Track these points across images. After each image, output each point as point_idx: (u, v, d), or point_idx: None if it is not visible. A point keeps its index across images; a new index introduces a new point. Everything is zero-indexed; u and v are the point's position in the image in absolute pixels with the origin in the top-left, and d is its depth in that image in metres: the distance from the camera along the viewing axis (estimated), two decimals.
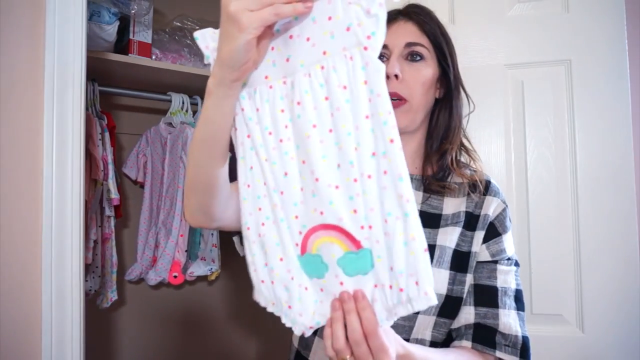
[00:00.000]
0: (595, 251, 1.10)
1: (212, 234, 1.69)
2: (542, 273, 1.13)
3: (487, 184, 0.81)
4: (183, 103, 1.69)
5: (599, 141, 1.11)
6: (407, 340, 0.72)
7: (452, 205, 0.80)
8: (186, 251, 1.64)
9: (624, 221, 1.09)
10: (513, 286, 0.77)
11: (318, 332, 0.83)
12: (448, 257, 0.76)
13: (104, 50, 1.42)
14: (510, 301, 0.76)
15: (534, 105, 1.16)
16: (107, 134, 1.48)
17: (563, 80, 1.14)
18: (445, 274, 0.76)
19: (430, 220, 0.79)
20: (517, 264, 0.79)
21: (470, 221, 0.79)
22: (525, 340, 0.73)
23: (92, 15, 1.37)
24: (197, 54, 1.68)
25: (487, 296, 0.76)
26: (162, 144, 1.70)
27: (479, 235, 0.78)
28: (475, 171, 0.83)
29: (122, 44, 1.50)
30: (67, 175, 1.01)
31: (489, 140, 1.17)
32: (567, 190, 1.13)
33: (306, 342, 0.85)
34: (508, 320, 0.74)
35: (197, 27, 1.74)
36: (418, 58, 0.79)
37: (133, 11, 1.48)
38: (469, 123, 0.88)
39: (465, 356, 0.72)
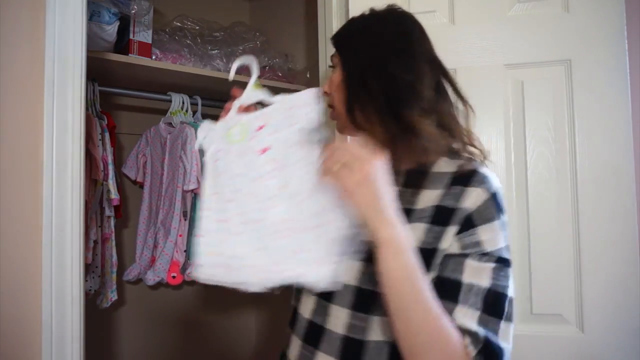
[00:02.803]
0: (595, 251, 1.10)
1: None
2: (542, 273, 1.13)
3: (471, 174, 0.72)
4: (183, 103, 1.69)
5: (599, 141, 1.11)
6: (363, 340, 0.71)
7: (426, 200, 0.73)
8: (185, 251, 1.64)
9: (624, 221, 1.09)
10: (485, 284, 0.65)
11: (295, 329, 0.84)
12: None
13: (104, 50, 1.41)
14: (476, 300, 0.64)
15: (534, 105, 1.16)
16: (107, 134, 1.48)
17: (563, 80, 1.14)
18: None
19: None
20: (502, 262, 0.67)
21: (441, 216, 0.70)
22: (491, 345, 0.61)
23: (92, 15, 1.36)
24: (197, 54, 1.68)
25: (447, 290, 0.65)
26: (162, 144, 1.69)
27: (451, 230, 0.69)
28: (470, 159, 0.75)
29: (122, 44, 1.50)
30: (67, 175, 1.00)
31: (488, 140, 1.17)
32: (567, 190, 1.13)
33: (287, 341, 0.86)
34: (463, 321, 0.63)
35: (197, 27, 1.74)
36: (331, 68, 0.87)
37: (133, 11, 1.48)
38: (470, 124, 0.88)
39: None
